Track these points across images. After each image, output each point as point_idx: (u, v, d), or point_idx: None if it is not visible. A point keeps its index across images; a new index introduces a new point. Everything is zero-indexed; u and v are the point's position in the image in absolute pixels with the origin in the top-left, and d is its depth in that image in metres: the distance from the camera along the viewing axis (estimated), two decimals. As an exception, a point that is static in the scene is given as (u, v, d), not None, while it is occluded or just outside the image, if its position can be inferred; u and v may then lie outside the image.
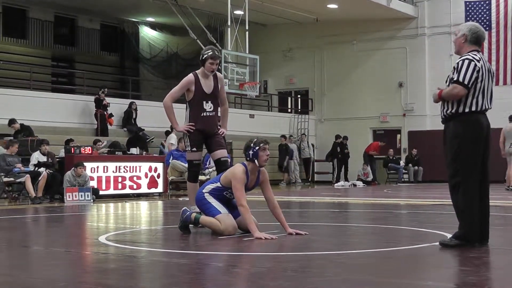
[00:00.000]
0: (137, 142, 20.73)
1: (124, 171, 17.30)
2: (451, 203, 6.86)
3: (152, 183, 17.89)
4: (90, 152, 16.73)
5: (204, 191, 7.81)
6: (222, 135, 8.64)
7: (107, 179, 16.92)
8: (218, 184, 7.78)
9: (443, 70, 27.85)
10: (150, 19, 30.62)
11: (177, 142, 18.43)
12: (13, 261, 6.18)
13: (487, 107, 6.77)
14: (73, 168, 15.53)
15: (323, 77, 30.62)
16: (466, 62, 6.53)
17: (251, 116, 27.38)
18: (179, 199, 16.50)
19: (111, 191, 16.97)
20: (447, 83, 6.72)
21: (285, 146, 26.37)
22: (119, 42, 31.25)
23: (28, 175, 15.16)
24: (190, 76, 8.56)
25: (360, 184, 25.12)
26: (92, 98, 21.74)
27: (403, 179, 27.35)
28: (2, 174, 15.39)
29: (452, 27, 27.85)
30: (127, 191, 17.38)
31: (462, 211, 6.51)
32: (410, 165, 27.43)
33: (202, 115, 8.60)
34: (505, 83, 26.89)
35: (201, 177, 16.83)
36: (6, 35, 27.41)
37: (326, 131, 29.75)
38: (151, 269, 5.74)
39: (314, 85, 30.88)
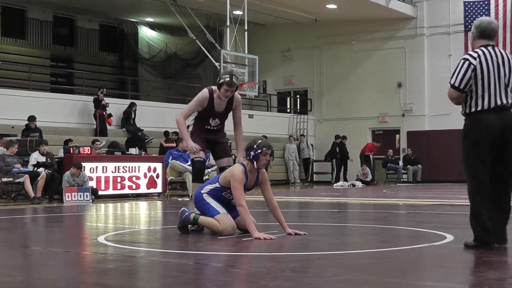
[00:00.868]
0: (136, 142, 20.73)
1: (123, 171, 17.30)
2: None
3: (151, 183, 17.90)
4: (89, 152, 16.73)
5: (203, 191, 7.81)
6: (239, 162, 8.35)
7: (106, 179, 16.93)
8: (217, 185, 7.78)
9: (442, 70, 27.89)
10: (149, 19, 30.61)
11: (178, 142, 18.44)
12: (12, 262, 6.18)
13: (499, 103, 6.31)
14: (71, 168, 15.54)
15: (322, 77, 30.62)
16: (461, 62, 6.49)
17: (250, 116, 27.37)
18: (178, 199, 16.50)
19: (110, 191, 16.97)
20: None
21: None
22: (118, 42, 31.24)
23: (27, 175, 15.16)
24: (206, 92, 8.36)
25: (359, 184, 25.13)
26: (91, 98, 21.74)
27: (402, 179, 27.36)
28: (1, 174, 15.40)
29: (451, 27, 27.88)
30: (126, 191, 17.38)
31: (471, 213, 6.48)
32: (409, 166, 27.42)
33: (206, 127, 8.52)
34: (504, 83, 26.87)
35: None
36: (5, 35, 27.40)
37: (325, 131, 29.76)
38: (150, 269, 5.74)
39: (313, 85, 30.88)
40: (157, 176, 17.98)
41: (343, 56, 29.90)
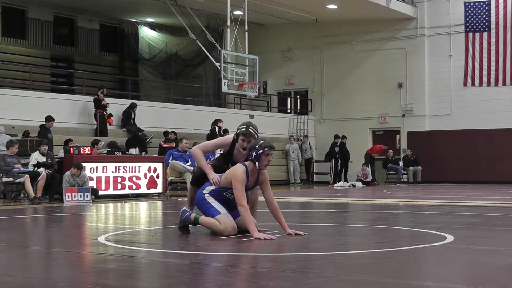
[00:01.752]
0: (136, 142, 20.73)
1: (123, 172, 17.30)
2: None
3: (152, 183, 17.90)
4: (90, 152, 16.73)
5: (204, 191, 7.82)
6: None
7: (106, 179, 16.93)
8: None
9: (442, 70, 27.91)
10: (149, 19, 30.63)
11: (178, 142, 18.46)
12: (12, 262, 6.19)
13: None
14: (72, 168, 15.54)
15: (323, 77, 30.62)
16: None
17: (251, 116, 27.37)
18: (178, 199, 16.50)
19: (111, 192, 16.97)
20: None
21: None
22: (118, 42, 31.25)
23: (27, 176, 15.15)
24: (229, 138, 8.26)
25: (359, 184, 25.12)
26: (92, 98, 21.75)
27: (402, 180, 27.35)
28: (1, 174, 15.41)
29: (452, 27, 27.88)
30: (127, 191, 17.38)
31: None
32: (410, 168, 27.39)
33: (229, 166, 8.28)
34: (504, 83, 26.90)
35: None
36: (5, 35, 27.42)
37: (325, 132, 29.75)
38: (150, 270, 5.74)
39: (313, 85, 30.88)
40: (157, 176, 17.98)
41: (343, 56, 29.90)
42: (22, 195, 16.05)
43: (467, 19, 27.41)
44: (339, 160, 27.61)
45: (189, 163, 17.23)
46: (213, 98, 30.93)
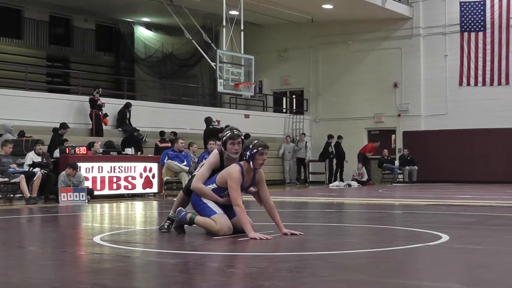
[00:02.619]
0: (132, 142, 20.70)
1: (119, 171, 17.29)
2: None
3: (147, 183, 17.88)
4: (85, 152, 16.71)
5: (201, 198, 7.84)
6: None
7: (102, 179, 16.91)
8: (214, 185, 7.79)
9: (438, 70, 27.95)
10: (145, 19, 30.61)
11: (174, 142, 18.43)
12: (8, 262, 6.18)
13: None
14: (67, 168, 15.52)
15: (318, 77, 30.64)
16: None
17: (246, 116, 27.39)
18: (174, 199, 16.47)
19: (106, 191, 16.96)
20: None
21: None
22: (114, 42, 31.23)
23: (22, 176, 15.12)
24: (216, 154, 8.05)
25: (355, 184, 25.14)
26: (87, 98, 21.72)
27: (398, 179, 27.38)
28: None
29: (447, 27, 27.91)
30: (122, 191, 17.36)
31: None
32: (406, 167, 27.41)
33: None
34: (499, 83, 26.95)
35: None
36: (1, 35, 27.38)
37: (321, 131, 29.75)
38: (145, 269, 5.73)
39: (309, 85, 30.90)
40: (153, 176, 17.97)
41: (339, 56, 29.93)
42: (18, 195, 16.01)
43: (463, 19, 27.45)
44: (334, 160, 27.62)
45: (185, 163, 17.24)
46: (209, 98, 30.93)
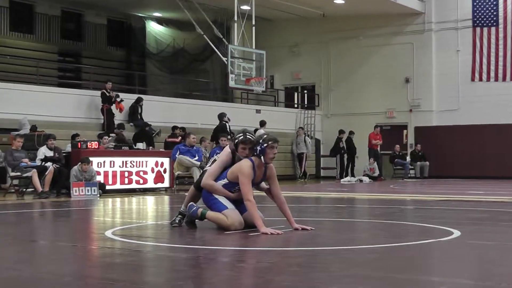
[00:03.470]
0: (144, 137, 20.75)
1: (130, 166, 17.32)
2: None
3: (159, 178, 17.92)
4: (97, 147, 16.75)
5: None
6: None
7: (114, 174, 16.95)
8: (226, 180, 7.80)
9: (450, 65, 27.83)
10: (156, 14, 30.62)
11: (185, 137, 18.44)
12: (19, 256, 6.20)
13: None
14: (79, 163, 15.57)
15: (330, 72, 30.58)
16: None
17: (258, 111, 27.36)
18: (186, 194, 16.50)
19: (118, 186, 17.00)
20: None
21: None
22: (125, 37, 31.26)
23: (34, 170, 15.19)
24: (228, 152, 8.06)
25: (366, 179, 25.10)
26: (99, 93, 21.75)
27: (409, 175, 27.31)
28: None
29: (459, 22, 27.78)
30: (134, 186, 17.40)
31: None
32: (418, 163, 27.31)
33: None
34: (512, 78, 26.83)
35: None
36: (13, 30, 27.46)
37: (332, 126, 29.69)
38: (156, 264, 5.75)
39: (320, 80, 30.85)
40: (165, 171, 18.00)
41: (350, 51, 29.85)
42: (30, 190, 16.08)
43: (475, 14, 27.31)
44: (345, 155, 27.55)
45: (196, 158, 17.26)
46: (220, 93, 30.92)
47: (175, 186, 17.82)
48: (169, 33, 31.04)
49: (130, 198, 15.03)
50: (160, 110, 23.77)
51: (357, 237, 7.59)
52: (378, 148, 27.10)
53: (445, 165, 27.32)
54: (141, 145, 18.59)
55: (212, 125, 22.84)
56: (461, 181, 24.37)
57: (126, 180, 17.23)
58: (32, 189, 15.51)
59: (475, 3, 27.30)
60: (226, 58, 21.81)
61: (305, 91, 32.16)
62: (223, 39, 24.77)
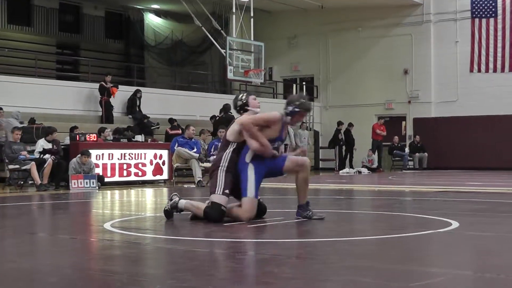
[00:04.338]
0: (142, 129, 20.75)
1: (129, 158, 17.32)
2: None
3: (157, 170, 17.92)
4: (95, 139, 16.74)
5: (247, 159, 7.63)
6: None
7: (112, 166, 16.95)
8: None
9: (448, 57, 27.81)
10: (155, 6, 30.56)
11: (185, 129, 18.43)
12: (19, 248, 6.21)
13: None
14: (78, 155, 15.56)
15: (328, 64, 30.57)
16: None
17: (256, 103, 27.31)
18: (184, 186, 16.52)
19: (116, 178, 16.99)
20: None
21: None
22: (124, 29, 31.22)
23: (33, 163, 15.18)
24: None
25: (365, 171, 25.11)
26: (97, 85, 21.75)
27: (408, 166, 27.33)
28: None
29: (458, 13, 27.74)
30: (132, 178, 17.40)
31: None
32: (416, 154, 27.29)
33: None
34: (511, 69, 26.80)
35: (205, 164, 16.89)
36: (11, 23, 27.41)
37: (330, 118, 29.71)
38: (156, 256, 5.75)
39: (319, 72, 30.84)
40: (163, 163, 17.99)
41: (349, 43, 29.82)
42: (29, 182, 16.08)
43: (474, 5, 27.28)
44: (344, 146, 27.55)
45: (195, 150, 17.25)
46: (219, 85, 30.90)
47: (173, 178, 17.82)
48: (167, 25, 30.99)
49: (129, 191, 15.04)
50: (159, 102, 23.76)
51: (356, 229, 7.60)
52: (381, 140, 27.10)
53: (444, 156, 27.33)
54: (139, 138, 18.59)
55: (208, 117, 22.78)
56: (459, 172, 24.39)
57: (125, 173, 17.23)
58: (31, 182, 15.51)
59: (473, -6, 27.25)
60: (224, 50, 21.79)
61: (304, 83, 32.08)
62: (222, 31, 24.73)
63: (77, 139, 16.49)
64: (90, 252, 6.03)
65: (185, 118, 22.80)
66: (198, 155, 17.08)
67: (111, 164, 16.92)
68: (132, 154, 17.39)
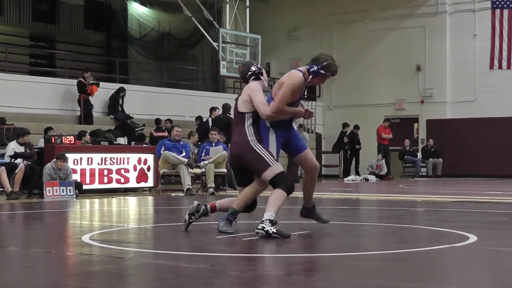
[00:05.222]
0: (125, 131, 20.73)
1: (110, 163, 17.30)
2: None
3: (142, 176, 17.90)
4: (73, 141, 16.71)
5: (267, 124, 7.91)
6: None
7: (92, 172, 16.92)
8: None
9: (466, 51, 27.85)
10: (139, -6, 30.62)
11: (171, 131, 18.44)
12: (-13, 263, 6.21)
13: None
14: (54, 160, 15.54)
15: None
16: None
17: (253, 102, 27.36)
18: (172, 194, 16.53)
19: (96, 186, 16.98)
20: None
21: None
22: (105, 20, 31.24)
23: (3, 168, 15.16)
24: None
25: (372, 178, 25.14)
26: (75, 81, 21.73)
27: (420, 173, 27.36)
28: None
29: (477, 3, 27.81)
30: (114, 185, 17.38)
31: None
32: (430, 160, 27.35)
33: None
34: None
35: (195, 170, 16.90)
36: (-22, 12, 27.45)
37: (335, 119, 29.75)
38: (139, 272, 5.76)
39: (322, 68, 30.83)
40: (148, 169, 17.98)
41: (355, 36, 29.87)
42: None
43: (493, -6, 27.36)
44: (349, 151, 27.58)
45: (183, 154, 17.25)
46: (210, 82, 30.93)
47: (160, 186, 17.82)
48: (153, 15, 31.01)
49: (110, 199, 15.04)
50: (144, 101, 23.76)
51: (362, 243, 7.62)
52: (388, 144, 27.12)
53: (461, 163, 27.37)
54: (122, 140, 18.57)
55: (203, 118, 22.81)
56: (478, 180, 24.43)
57: (106, 179, 17.22)
58: (1, 189, 15.49)
59: (494, -18, 27.34)
60: (217, 44, 21.84)
61: (305, 80, 32.16)
62: (214, 22, 24.77)
63: (53, 141, 16.46)
64: (66, 267, 6.04)
65: (172, 118, 22.77)
66: (187, 160, 17.07)
67: (90, 169, 16.90)
68: (113, 158, 17.38)
